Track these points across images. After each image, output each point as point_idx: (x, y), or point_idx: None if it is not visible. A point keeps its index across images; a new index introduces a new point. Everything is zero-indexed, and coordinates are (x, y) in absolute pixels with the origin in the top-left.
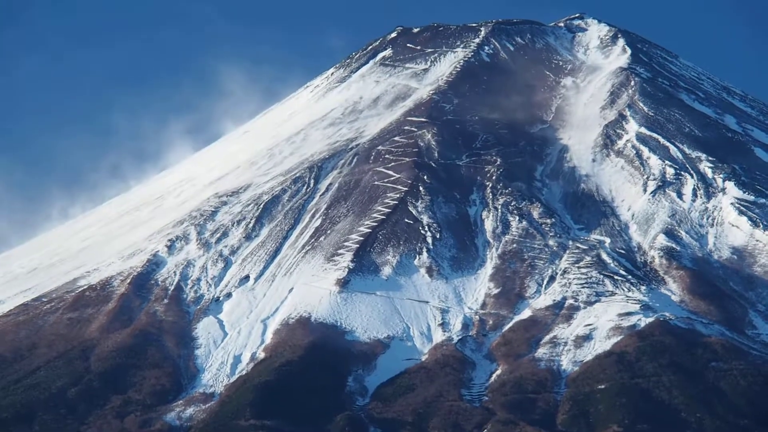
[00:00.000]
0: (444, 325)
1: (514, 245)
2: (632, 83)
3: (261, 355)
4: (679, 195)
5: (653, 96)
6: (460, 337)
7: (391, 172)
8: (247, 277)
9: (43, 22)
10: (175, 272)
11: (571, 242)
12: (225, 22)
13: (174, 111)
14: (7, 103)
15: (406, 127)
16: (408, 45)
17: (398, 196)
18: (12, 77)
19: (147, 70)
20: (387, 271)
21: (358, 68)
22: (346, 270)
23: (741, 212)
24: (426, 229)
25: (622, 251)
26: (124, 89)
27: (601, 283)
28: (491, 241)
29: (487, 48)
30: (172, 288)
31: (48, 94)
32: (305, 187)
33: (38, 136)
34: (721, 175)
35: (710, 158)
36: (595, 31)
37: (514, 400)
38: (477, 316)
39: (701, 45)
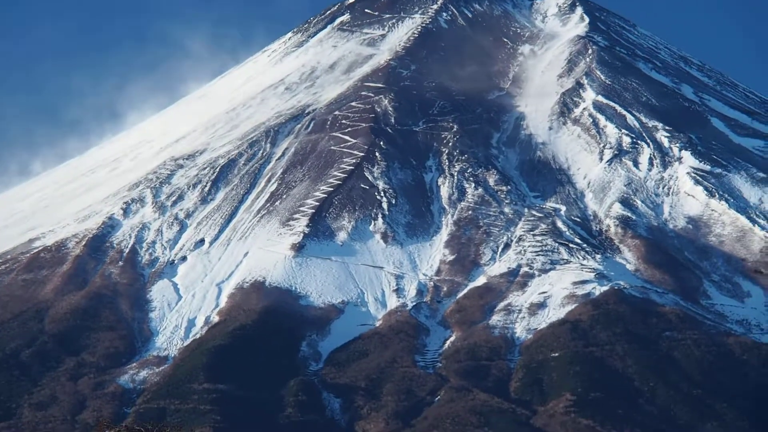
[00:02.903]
0: (398, 291)
1: (470, 212)
2: (590, 51)
3: (215, 318)
4: (636, 164)
5: (610, 64)
6: (414, 303)
7: (347, 138)
8: (202, 241)
9: None
10: (130, 235)
11: (526, 210)
12: None
13: (136, 72)
14: None
15: (362, 93)
16: (366, 10)
17: (354, 161)
18: None
19: (108, 34)
20: (342, 236)
21: (316, 33)
22: (302, 235)
23: (697, 182)
24: (382, 194)
25: (578, 219)
26: (85, 54)
27: (556, 251)
28: (447, 207)
29: (445, 14)
30: (127, 250)
31: (10, 62)
32: (261, 152)
33: None
34: (677, 145)
35: (667, 127)
36: None
37: (468, 366)
38: (431, 283)
39: (659, 14)
